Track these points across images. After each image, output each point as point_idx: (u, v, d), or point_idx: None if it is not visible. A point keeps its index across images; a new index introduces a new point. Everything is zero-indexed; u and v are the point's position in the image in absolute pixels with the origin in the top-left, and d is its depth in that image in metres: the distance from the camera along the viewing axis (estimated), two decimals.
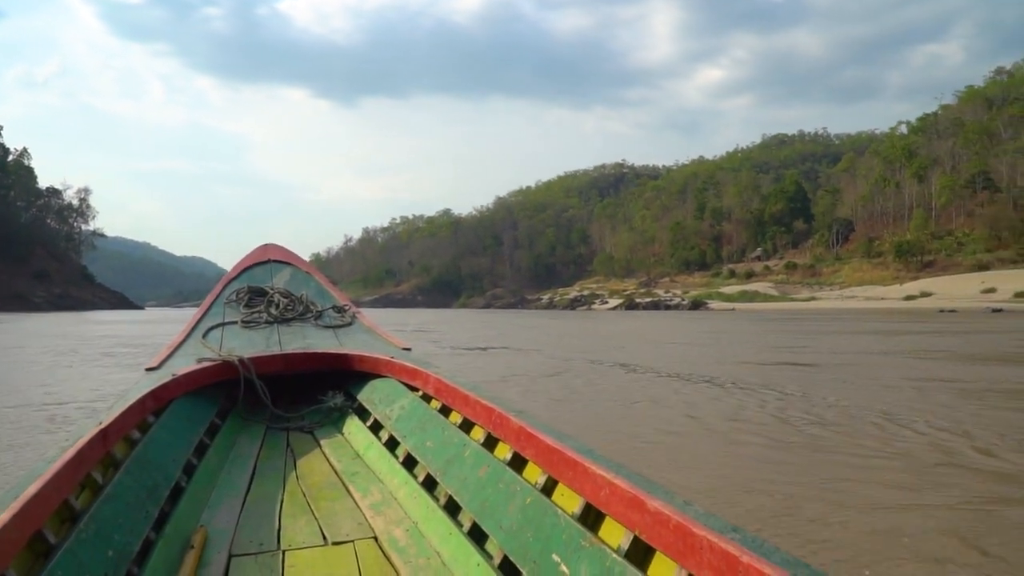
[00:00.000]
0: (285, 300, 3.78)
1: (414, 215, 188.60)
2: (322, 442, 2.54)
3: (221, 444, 2.37)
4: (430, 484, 1.97)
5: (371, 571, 1.55)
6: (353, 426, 2.66)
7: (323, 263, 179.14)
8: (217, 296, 3.99)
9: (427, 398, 2.44)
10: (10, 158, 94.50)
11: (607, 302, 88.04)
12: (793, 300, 71.85)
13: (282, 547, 1.67)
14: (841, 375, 8.49)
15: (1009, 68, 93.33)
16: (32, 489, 1.23)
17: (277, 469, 2.26)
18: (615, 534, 1.26)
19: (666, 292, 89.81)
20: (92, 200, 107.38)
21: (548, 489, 1.53)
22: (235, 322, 3.54)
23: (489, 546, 1.56)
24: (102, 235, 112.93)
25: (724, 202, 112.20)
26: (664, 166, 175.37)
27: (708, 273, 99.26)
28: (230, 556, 1.61)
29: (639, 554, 1.18)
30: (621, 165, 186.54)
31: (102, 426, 1.67)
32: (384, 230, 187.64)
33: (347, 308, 3.86)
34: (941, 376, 8.37)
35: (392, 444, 2.35)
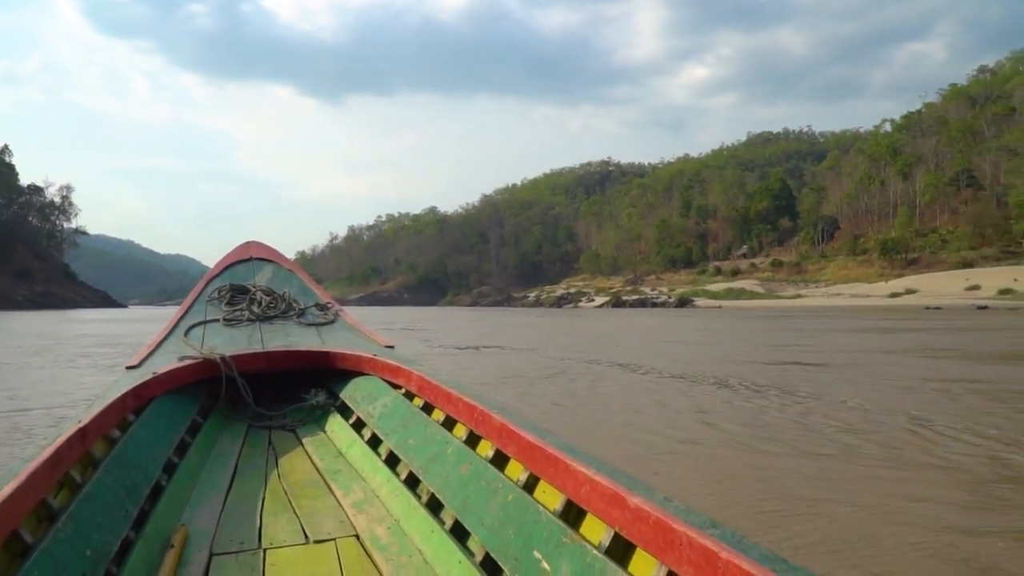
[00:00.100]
0: (267, 298, 3.74)
1: (400, 213, 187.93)
2: (304, 440, 2.52)
3: (202, 443, 2.34)
4: (412, 482, 1.95)
5: (353, 569, 1.54)
6: (335, 424, 2.64)
7: (308, 261, 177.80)
8: (199, 294, 3.94)
9: (410, 396, 2.43)
10: None
11: (594, 300, 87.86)
12: (779, 298, 72.02)
13: (263, 546, 1.66)
14: (852, 375, 8.19)
15: (992, 67, 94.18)
16: (8, 488, 1.21)
17: (259, 467, 2.23)
18: (596, 531, 1.27)
19: (652, 290, 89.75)
20: (74, 198, 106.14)
21: (530, 486, 1.53)
22: (217, 320, 3.50)
23: (471, 543, 1.56)
24: (84, 233, 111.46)
25: (710, 200, 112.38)
26: (650, 164, 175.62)
27: (694, 271, 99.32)
28: (211, 555, 1.60)
29: (620, 550, 1.19)
30: (607, 163, 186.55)
31: (81, 424, 1.65)
32: (370, 228, 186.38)
33: (330, 306, 3.84)
34: (957, 376, 8.08)
35: (375, 442, 2.32)
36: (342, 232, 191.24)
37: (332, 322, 3.63)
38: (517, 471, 1.61)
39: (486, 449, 1.81)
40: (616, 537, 1.20)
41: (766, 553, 0.93)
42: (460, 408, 2.00)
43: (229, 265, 4.37)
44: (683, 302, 73.15)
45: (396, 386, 2.56)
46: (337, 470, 2.21)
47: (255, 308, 3.64)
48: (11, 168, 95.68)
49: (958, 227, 73.66)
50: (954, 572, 2.35)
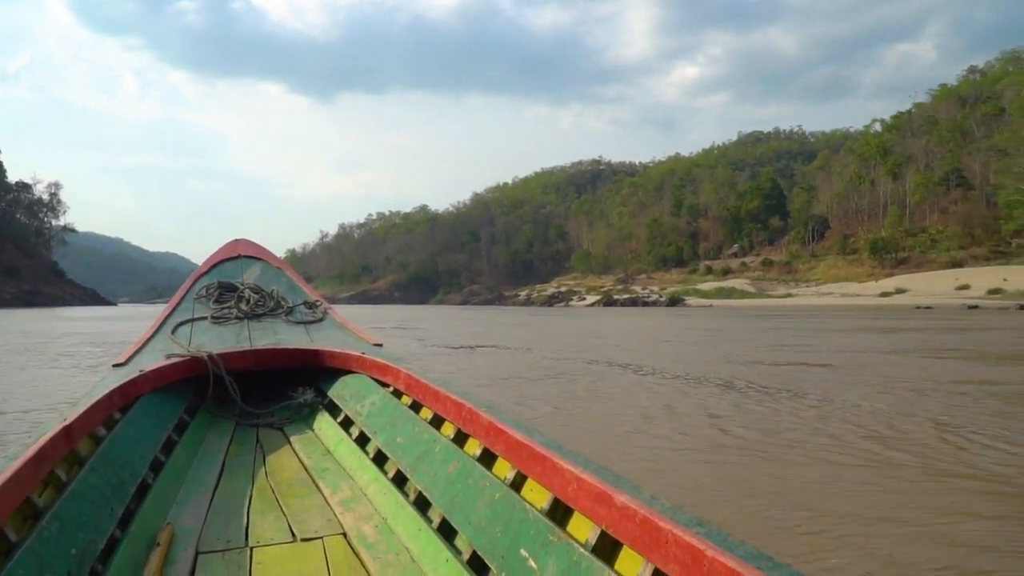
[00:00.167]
0: (256, 296, 3.73)
1: (391, 211, 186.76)
2: (292, 438, 2.51)
3: (189, 441, 2.34)
4: (400, 480, 1.96)
5: (340, 567, 1.55)
6: (323, 422, 2.63)
7: (299, 259, 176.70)
8: (187, 292, 3.93)
9: (398, 394, 2.43)
10: None
11: (585, 298, 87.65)
12: (770, 297, 72.04)
13: (250, 544, 1.66)
14: (860, 377, 7.95)
15: (982, 67, 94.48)
16: None
17: (246, 466, 2.22)
18: (583, 529, 1.27)
19: (643, 289, 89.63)
20: (63, 195, 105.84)
21: (517, 484, 1.54)
22: (205, 318, 3.48)
23: (458, 542, 1.56)
24: (73, 230, 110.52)
25: (701, 199, 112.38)
26: (641, 163, 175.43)
27: (685, 270, 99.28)
28: (197, 553, 1.60)
29: (606, 548, 1.19)
30: (598, 162, 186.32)
31: (66, 423, 1.65)
32: (360, 226, 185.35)
33: (318, 304, 3.83)
34: (969, 378, 7.85)
35: (362, 440, 2.32)
36: (333, 230, 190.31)
37: (320, 320, 3.62)
38: (504, 469, 1.61)
39: (474, 447, 1.81)
40: (603, 535, 1.20)
41: (751, 551, 0.94)
42: (448, 406, 2.00)
43: (217, 263, 4.34)
44: (674, 301, 73.03)
45: (384, 384, 2.56)
46: (325, 468, 2.20)
47: (243, 306, 3.61)
48: None
49: (948, 227, 73.91)
50: None
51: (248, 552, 1.61)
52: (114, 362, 2.63)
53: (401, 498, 1.86)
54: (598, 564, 1.16)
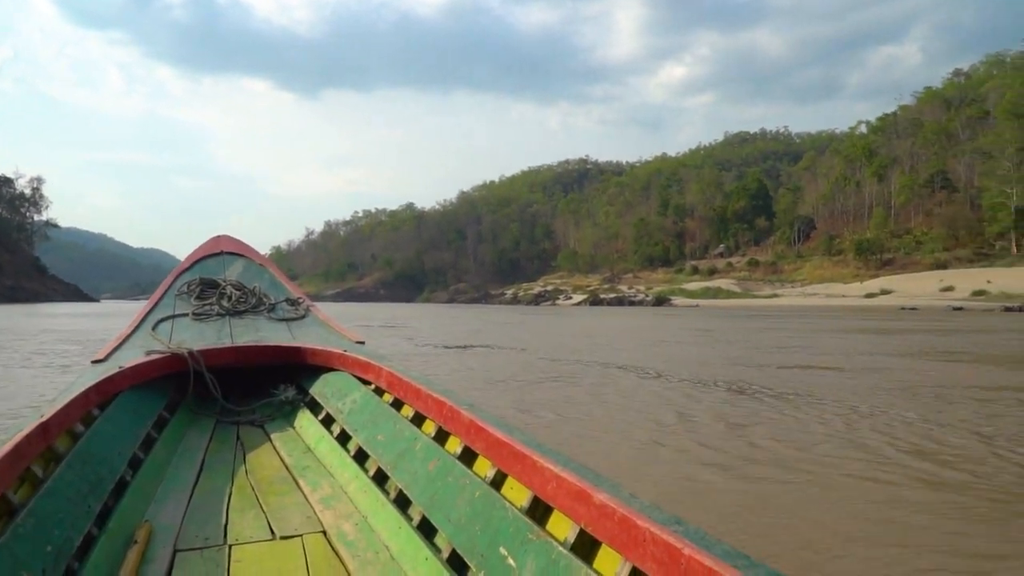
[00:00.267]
0: (237, 292, 3.71)
1: (377, 208, 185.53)
2: (273, 436, 2.50)
3: (169, 438, 2.32)
4: (381, 478, 1.95)
5: (319, 565, 1.55)
6: (305, 420, 2.62)
7: (284, 256, 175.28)
8: (168, 288, 3.89)
9: (380, 392, 2.43)
10: None
11: (571, 297, 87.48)
12: (756, 297, 72.14)
13: (229, 541, 1.65)
14: (875, 381, 7.62)
15: (967, 70, 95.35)
16: None
17: (226, 463, 2.21)
18: (562, 527, 1.27)
19: (630, 288, 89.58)
20: (46, 190, 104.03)
21: (497, 482, 1.54)
22: (186, 314, 3.45)
23: (438, 540, 1.57)
24: (55, 226, 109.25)
25: (687, 199, 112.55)
26: (628, 162, 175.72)
27: (671, 269, 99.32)
28: (175, 551, 1.60)
29: (585, 547, 1.19)
30: (585, 161, 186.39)
31: (43, 419, 1.64)
32: (346, 223, 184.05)
33: (301, 301, 3.79)
34: (992, 383, 7.53)
35: (344, 438, 2.31)
36: (319, 227, 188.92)
37: (303, 317, 3.59)
38: (485, 468, 1.62)
39: (455, 445, 1.81)
40: (581, 533, 1.20)
41: (728, 550, 0.94)
42: (429, 404, 1.99)
43: (199, 259, 4.29)
44: (660, 301, 72.98)
45: (366, 382, 2.54)
46: (305, 466, 2.19)
47: (225, 302, 3.59)
48: None
49: (932, 228, 74.37)
50: None
51: (227, 550, 1.60)
52: (93, 358, 2.60)
53: (381, 496, 1.84)
54: (576, 562, 1.16)
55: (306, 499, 1.94)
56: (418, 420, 2.09)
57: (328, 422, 2.51)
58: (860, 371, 8.75)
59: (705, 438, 4.57)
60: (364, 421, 2.29)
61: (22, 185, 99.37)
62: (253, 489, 2.00)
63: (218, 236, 4.68)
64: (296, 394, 2.80)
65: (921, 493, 3.36)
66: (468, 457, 1.72)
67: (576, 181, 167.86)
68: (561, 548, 1.21)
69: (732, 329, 20.79)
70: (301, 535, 1.69)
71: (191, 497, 1.92)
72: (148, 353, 2.61)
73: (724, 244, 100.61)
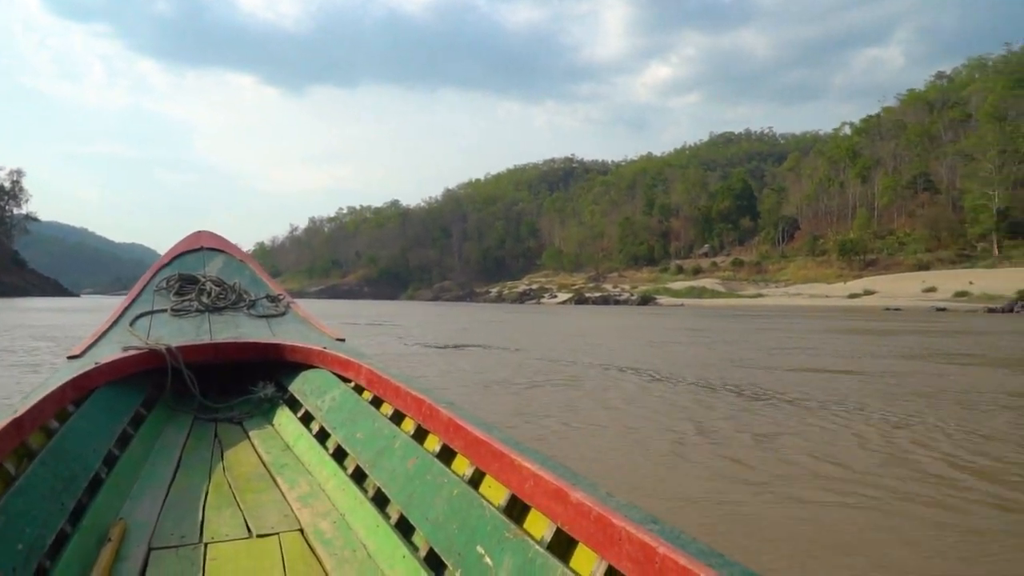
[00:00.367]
0: (217, 288, 3.67)
1: (362, 205, 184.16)
2: (251, 433, 2.48)
3: (146, 435, 2.29)
4: (359, 476, 1.95)
5: (295, 563, 1.54)
6: (283, 417, 2.60)
7: (268, 252, 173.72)
8: (147, 283, 3.84)
9: (359, 389, 2.42)
10: None
11: (556, 296, 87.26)
12: (740, 297, 72.22)
13: (204, 540, 1.64)
14: (892, 386, 7.31)
15: (949, 73, 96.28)
16: None
17: (203, 460, 2.20)
18: (539, 526, 1.28)
19: (615, 287, 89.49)
20: (25, 183, 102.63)
21: (476, 481, 1.54)
22: (165, 310, 3.42)
23: (416, 538, 1.57)
24: (35, 219, 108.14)
25: (672, 198, 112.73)
26: (613, 161, 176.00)
27: (656, 269, 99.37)
28: (150, 549, 1.58)
29: (561, 545, 1.19)
30: (571, 159, 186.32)
31: (16, 415, 1.63)
32: (331, 220, 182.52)
33: (281, 297, 3.76)
34: (1017, 389, 7.24)
35: (322, 436, 2.30)
36: (303, 224, 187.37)
37: (283, 314, 3.55)
38: (463, 466, 1.62)
39: (433, 444, 1.81)
40: (558, 532, 1.20)
41: (703, 548, 0.94)
42: (408, 402, 1.99)
43: (179, 255, 4.25)
44: (645, 300, 72.88)
45: (346, 379, 2.52)
46: (283, 464, 2.17)
47: (204, 298, 3.55)
48: None
49: (915, 230, 74.93)
50: None
51: (202, 548, 1.58)
52: (69, 354, 2.55)
53: (360, 494, 1.83)
54: (552, 561, 1.16)
55: (284, 497, 1.91)
56: (397, 418, 2.08)
57: (307, 419, 2.49)
58: (873, 375, 8.44)
59: (731, 451, 4.22)
60: (343, 419, 2.27)
61: (1, 178, 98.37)
62: (230, 487, 1.97)
63: (198, 232, 4.63)
64: (275, 391, 2.76)
65: (1000, 520, 3.01)
66: (447, 455, 1.72)
67: (562, 180, 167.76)
68: (538, 547, 1.20)
69: (725, 329, 20.59)
70: (278, 533, 1.67)
71: (167, 495, 1.89)
72: (125, 349, 2.56)
73: (709, 244, 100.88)
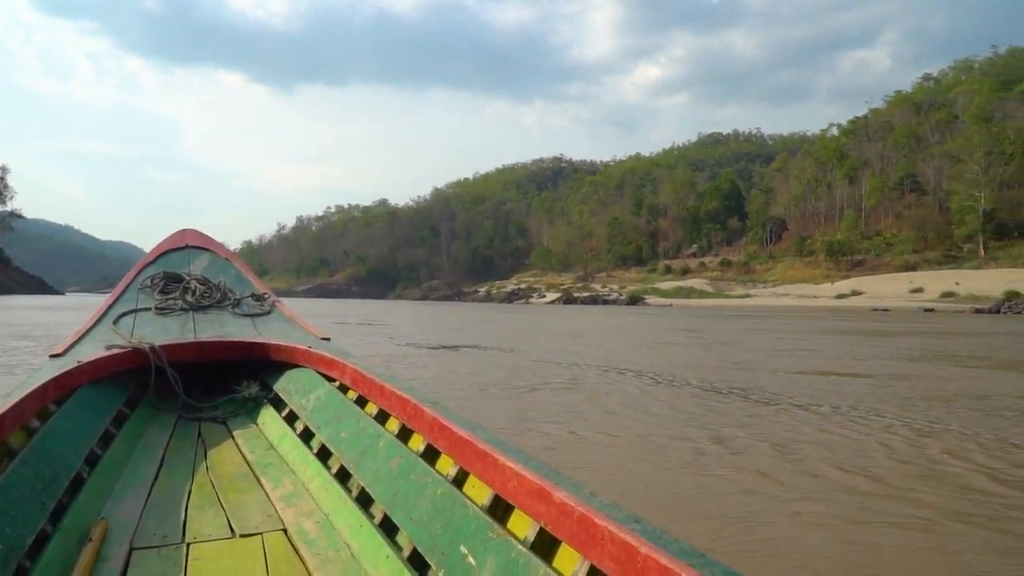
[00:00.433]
0: (202, 287, 3.65)
1: (350, 204, 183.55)
2: (235, 433, 2.47)
3: (128, 434, 2.28)
4: (343, 476, 1.94)
5: (278, 563, 1.53)
6: (268, 416, 2.59)
7: (255, 251, 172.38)
8: (131, 282, 3.80)
9: (344, 388, 2.41)
10: None
11: (545, 296, 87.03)
12: (728, 297, 72.28)
13: (187, 539, 1.63)
14: (905, 390, 7.07)
15: (936, 75, 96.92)
16: None
17: (187, 460, 2.19)
18: (522, 525, 1.28)
19: (603, 287, 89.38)
20: (10, 179, 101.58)
21: (459, 481, 1.54)
22: (148, 308, 3.39)
23: (399, 538, 1.56)
24: (20, 216, 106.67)
25: (661, 199, 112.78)
26: (602, 162, 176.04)
27: (644, 269, 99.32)
28: (131, 549, 1.57)
29: (544, 545, 1.19)
30: (559, 159, 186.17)
31: None
32: (319, 219, 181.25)
33: (266, 296, 3.73)
34: None
35: (307, 435, 2.29)
36: (290, 222, 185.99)
37: (268, 313, 3.52)
38: (447, 465, 1.62)
39: (418, 443, 1.81)
40: (541, 532, 1.20)
41: (685, 548, 0.94)
42: (393, 401, 1.99)
43: (163, 253, 4.22)
44: (634, 300, 72.80)
45: (330, 379, 2.51)
46: (267, 463, 2.16)
47: (189, 297, 3.53)
48: None
49: (902, 231, 75.28)
50: None
51: (185, 548, 1.58)
52: (51, 352, 2.53)
53: (344, 494, 1.83)
54: (535, 561, 1.16)
55: (267, 497, 1.90)
56: (382, 417, 2.07)
57: (291, 419, 2.47)
58: (881, 378, 8.20)
59: (753, 462, 3.95)
60: (327, 418, 2.26)
61: None
62: (213, 486, 1.95)
63: (184, 230, 4.58)
64: (260, 390, 2.74)
65: None
66: (431, 455, 1.71)
67: (550, 180, 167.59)
68: (521, 547, 1.21)
69: (718, 330, 20.40)
70: (261, 533, 1.67)
71: (150, 494, 1.88)
72: (108, 348, 2.53)
73: (697, 244, 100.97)
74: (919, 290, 56.99)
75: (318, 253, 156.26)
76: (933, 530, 2.89)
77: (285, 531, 1.68)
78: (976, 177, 67.08)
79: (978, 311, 42.62)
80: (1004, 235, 65.41)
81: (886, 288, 60.24)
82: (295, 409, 2.48)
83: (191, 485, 1.96)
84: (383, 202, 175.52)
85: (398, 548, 1.51)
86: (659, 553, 0.92)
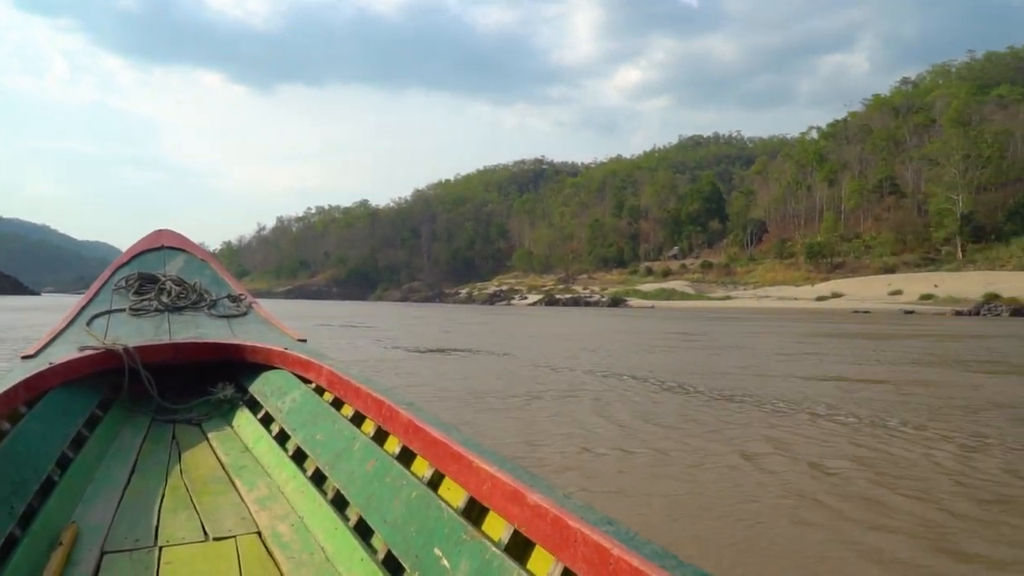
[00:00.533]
0: (178, 288, 3.62)
1: (330, 205, 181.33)
2: (210, 435, 2.45)
3: (101, 437, 2.25)
4: (319, 478, 1.93)
5: (252, 567, 1.52)
6: (243, 419, 2.56)
7: (235, 252, 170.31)
8: (105, 282, 3.76)
9: (320, 390, 2.40)
10: None
11: (526, 298, 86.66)
12: (710, 299, 72.39)
13: (159, 543, 1.62)
14: (932, 398, 6.76)
15: (914, 79, 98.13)
16: None
17: (160, 462, 2.16)
18: (496, 528, 1.28)
19: (585, 289, 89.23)
20: None
21: (435, 483, 1.54)
22: (123, 310, 3.36)
23: (374, 541, 1.56)
24: None
25: (642, 201, 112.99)
26: (583, 163, 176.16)
27: (626, 271, 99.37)
28: (102, 553, 1.55)
29: (519, 547, 1.19)
30: (540, 161, 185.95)
31: None
32: (299, 220, 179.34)
33: (243, 298, 3.71)
34: None
35: (282, 437, 2.28)
36: (271, 223, 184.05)
37: (244, 314, 3.49)
38: (423, 468, 1.62)
39: (393, 445, 1.81)
40: (515, 534, 1.20)
41: (657, 550, 0.94)
42: (369, 403, 1.98)
43: (139, 253, 4.17)
44: (616, 302, 72.66)
45: (307, 380, 2.50)
46: (242, 466, 2.15)
47: (164, 298, 3.51)
48: None
49: (881, 233, 75.92)
50: None
51: (157, 552, 1.56)
52: (23, 354, 2.49)
53: (318, 496, 1.82)
54: (509, 563, 1.16)
55: (242, 499, 1.88)
56: (358, 419, 2.06)
57: (267, 421, 2.44)
58: (899, 384, 7.87)
59: (794, 485, 3.53)
60: (303, 420, 2.24)
61: None
62: (187, 489, 1.93)
63: (159, 230, 4.52)
64: (235, 392, 2.70)
65: None
66: (406, 457, 1.71)
67: (531, 181, 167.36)
68: (495, 549, 1.20)
69: (709, 332, 20.13)
70: (235, 536, 1.66)
71: (122, 497, 1.86)
72: (81, 349, 2.49)
73: (678, 246, 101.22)
74: (898, 292, 57.42)
75: (298, 254, 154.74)
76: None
77: (259, 534, 1.67)
78: (954, 180, 67.84)
79: (958, 313, 42.95)
80: (981, 238, 66.18)
81: (866, 290, 60.63)
82: (271, 411, 2.45)
83: (164, 488, 1.93)
84: (364, 203, 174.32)
85: (373, 551, 1.50)
86: (631, 555, 0.92)
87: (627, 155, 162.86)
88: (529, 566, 1.15)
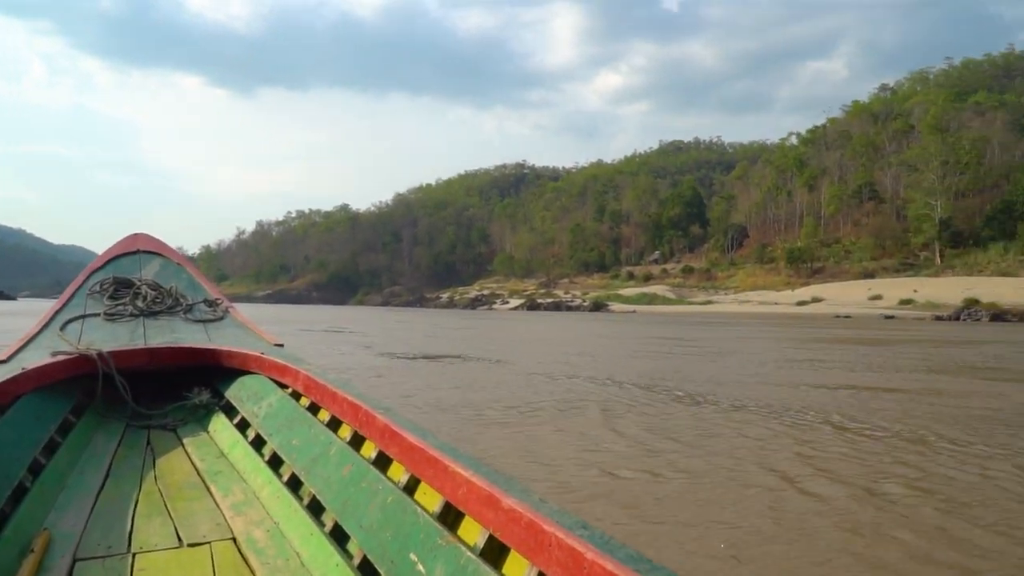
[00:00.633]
0: (153, 292, 3.60)
1: (311, 209, 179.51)
2: (185, 440, 2.45)
3: (74, 442, 2.23)
4: (294, 484, 1.93)
5: (226, 573, 1.52)
6: (219, 424, 2.56)
7: (214, 256, 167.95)
8: (79, 287, 3.75)
9: (296, 395, 2.40)
10: None
11: (508, 302, 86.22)
12: (691, 303, 72.47)
13: (133, 550, 1.61)
14: (955, 408, 6.45)
15: (892, 86, 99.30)
16: None
17: (134, 468, 2.15)
18: (472, 532, 1.28)
19: (566, 293, 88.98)
20: None
21: (411, 488, 1.54)
22: (97, 314, 3.34)
23: (350, 546, 1.56)
24: None
25: (623, 205, 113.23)
26: (564, 168, 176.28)
27: (607, 275, 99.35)
28: (75, 560, 1.54)
29: (494, 552, 1.20)
30: (522, 165, 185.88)
31: None
32: (279, 224, 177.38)
33: (219, 302, 3.68)
34: None
35: (258, 443, 2.27)
36: (250, 227, 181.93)
37: (221, 319, 3.47)
38: (399, 472, 1.62)
39: (369, 450, 1.80)
40: (491, 539, 1.20)
41: (631, 554, 0.95)
42: (345, 408, 1.98)
43: (114, 257, 4.14)
44: (598, 306, 72.45)
45: (283, 385, 2.49)
46: (218, 471, 2.14)
47: (139, 302, 3.47)
48: None
49: (860, 238, 76.57)
50: None
51: (130, 558, 1.55)
52: None
53: (294, 502, 1.82)
54: (484, 568, 1.16)
55: (217, 505, 1.87)
56: (334, 424, 2.05)
57: (243, 426, 2.43)
58: (913, 393, 7.55)
59: (851, 514, 3.15)
60: (279, 425, 2.22)
61: None
62: (162, 495, 1.93)
63: (135, 234, 4.47)
64: (211, 397, 2.69)
65: None
66: (382, 462, 1.71)
67: (513, 185, 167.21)
68: (470, 554, 1.21)
69: (699, 337, 19.84)
70: (209, 542, 1.65)
71: (95, 504, 1.84)
72: (54, 354, 2.47)
73: (659, 251, 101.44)
74: (878, 297, 57.78)
75: (278, 258, 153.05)
76: None
77: (234, 540, 1.66)
78: (932, 186, 68.59)
79: (938, 318, 43.18)
80: (960, 243, 66.91)
81: (846, 295, 60.96)
82: (247, 416, 2.43)
83: (138, 494, 1.91)
84: (344, 207, 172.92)
85: (348, 556, 1.50)
86: (605, 559, 0.92)
87: (608, 160, 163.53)
88: (504, 571, 1.15)
